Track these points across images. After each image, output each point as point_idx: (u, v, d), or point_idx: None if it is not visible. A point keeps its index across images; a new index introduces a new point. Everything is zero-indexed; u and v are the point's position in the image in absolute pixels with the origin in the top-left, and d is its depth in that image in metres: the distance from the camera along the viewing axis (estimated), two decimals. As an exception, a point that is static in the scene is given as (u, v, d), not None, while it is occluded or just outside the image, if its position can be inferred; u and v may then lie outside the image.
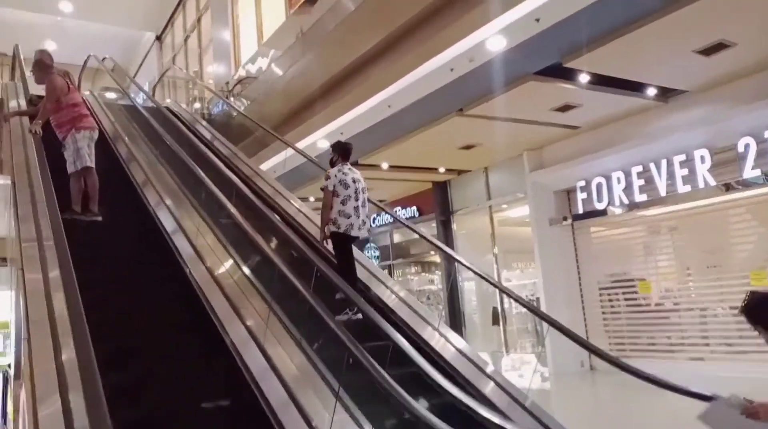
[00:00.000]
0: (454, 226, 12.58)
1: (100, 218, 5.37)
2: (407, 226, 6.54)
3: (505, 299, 11.43)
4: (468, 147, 10.02)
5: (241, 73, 10.30)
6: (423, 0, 5.88)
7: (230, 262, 4.74)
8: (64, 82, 5.42)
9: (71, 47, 13.55)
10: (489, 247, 11.81)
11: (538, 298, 10.29)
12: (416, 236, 14.44)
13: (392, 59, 6.72)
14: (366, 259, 5.94)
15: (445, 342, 4.56)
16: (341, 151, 5.32)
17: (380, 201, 14.75)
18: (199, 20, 13.31)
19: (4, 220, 5.39)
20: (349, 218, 4.87)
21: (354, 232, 4.90)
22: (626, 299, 9.61)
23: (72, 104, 5.41)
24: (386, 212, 6.71)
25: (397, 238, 15.12)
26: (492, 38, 5.98)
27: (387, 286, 5.23)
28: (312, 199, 13.26)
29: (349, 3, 6.72)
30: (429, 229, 13.43)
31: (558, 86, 7.39)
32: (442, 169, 11.79)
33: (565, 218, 9.99)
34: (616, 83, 7.47)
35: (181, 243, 4.96)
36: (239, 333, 3.84)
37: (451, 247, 12.54)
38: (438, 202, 12.74)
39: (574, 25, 5.76)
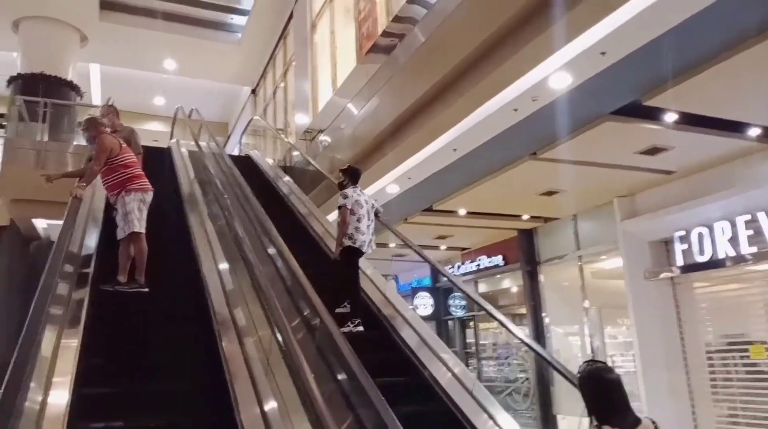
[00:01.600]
0: (542, 278, 11.74)
1: (146, 290, 4.90)
2: (436, 268, 5.89)
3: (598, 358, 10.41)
4: (549, 193, 9.35)
5: (317, 121, 10.43)
6: (475, 37, 5.52)
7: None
8: (115, 141, 5.11)
9: (179, 101, 14.53)
10: (579, 301, 10.85)
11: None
12: (504, 286, 13.86)
13: (450, 101, 6.38)
14: (419, 321, 5.19)
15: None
16: (351, 175, 5.75)
17: (464, 249, 14.26)
18: (285, 73, 13.81)
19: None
20: (363, 235, 5.40)
21: (365, 249, 5.43)
22: (744, 364, 8.35)
23: (123, 165, 5.07)
24: (397, 235, 6.30)
25: (482, 287, 14.43)
26: (555, 75, 5.49)
27: (443, 362, 4.47)
28: (392, 245, 13.00)
29: (408, 47, 6.54)
30: (515, 279, 12.69)
31: (640, 127, 6.67)
32: (525, 216, 11.12)
33: (663, 272, 8.95)
34: (710, 123, 6.61)
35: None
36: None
37: (538, 300, 11.74)
38: (523, 251, 12.00)
39: (649, 57, 5.15)
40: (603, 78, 5.49)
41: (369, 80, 7.75)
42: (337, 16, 10.52)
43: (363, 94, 8.12)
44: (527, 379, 12.01)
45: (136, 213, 4.95)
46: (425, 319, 15.40)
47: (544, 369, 11.36)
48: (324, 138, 9.50)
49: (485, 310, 4.96)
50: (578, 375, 2.52)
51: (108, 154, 4.98)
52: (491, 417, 3.89)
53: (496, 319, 4.73)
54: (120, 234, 4.96)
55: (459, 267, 14.51)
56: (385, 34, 8.43)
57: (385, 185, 8.77)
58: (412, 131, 7.18)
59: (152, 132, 16.30)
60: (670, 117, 6.40)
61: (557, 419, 10.94)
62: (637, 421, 2.37)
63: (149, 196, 5.15)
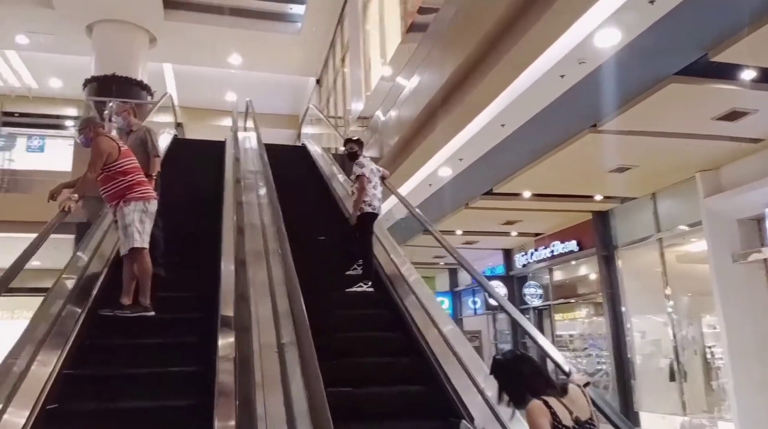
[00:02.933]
0: (619, 263, 10.83)
1: (150, 314, 4.34)
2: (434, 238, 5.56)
3: (685, 350, 9.45)
4: (620, 170, 8.51)
5: (368, 107, 10.12)
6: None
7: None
8: (113, 144, 4.42)
9: (248, 96, 14.73)
10: (661, 288, 9.90)
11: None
12: (581, 273, 12.97)
13: (489, 70, 5.85)
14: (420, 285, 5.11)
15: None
16: (360, 144, 6.29)
17: (537, 235, 13.49)
18: (343, 60, 13.61)
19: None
20: (377, 201, 5.82)
21: (377, 211, 5.82)
22: None
23: (121, 171, 4.38)
24: (402, 201, 6.27)
25: (558, 275, 13.62)
26: (600, 32, 4.83)
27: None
28: (459, 232, 12.51)
29: (442, 20, 6.07)
30: (593, 266, 11.81)
31: (713, 88, 5.83)
32: (598, 197, 10.27)
33: (753, 253, 7.92)
34: (799, 77, 5.67)
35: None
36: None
37: (615, 287, 10.86)
38: (599, 235, 11.13)
39: (710, 3, 4.41)
40: (658, 32, 4.77)
41: (409, 59, 7.35)
42: (387, -3, 10.16)
43: (405, 74, 7.74)
44: (606, 373, 11.17)
45: (136, 225, 4.31)
46: (498, 308, 14.84)
47: (625, 362, 10.52)
48: (377, 118, 9.17)
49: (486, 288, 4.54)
50: (498, 361, 2.56)
51: (104, 160, 4.32)
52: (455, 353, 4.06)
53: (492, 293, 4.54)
54: (122, 250, 4.38)
55: (532, 254, 13.77)
56: (421, 10, 7.99)
57: (436, 168, 8.31)
58: (455, 107, 6.70)
59: (225, 128, 16.66)
60: (747, 74, 5.54)
61: (639, 416, 10.07)
62: (564, 387, 2.41)
63: (152, 206, 4.49)
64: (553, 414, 2.26)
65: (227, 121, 16.47)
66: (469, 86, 6.23)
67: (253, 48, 14.77)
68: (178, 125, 15.09)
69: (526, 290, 14.23)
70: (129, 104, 5.32)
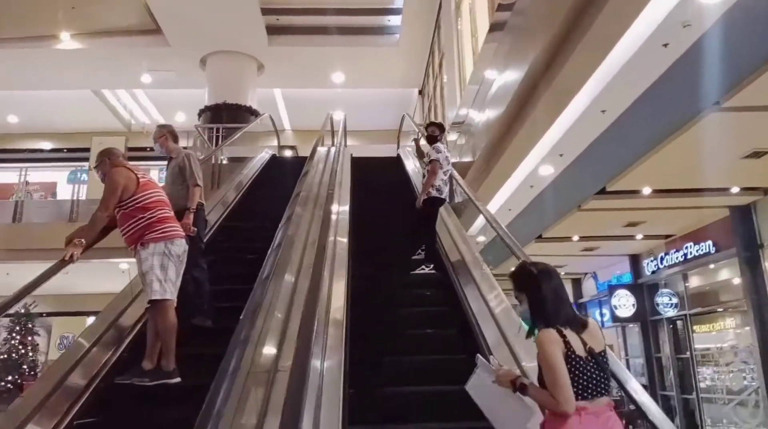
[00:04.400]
0: (766, 265, 9.36)
1: (176, 380, 3.53)
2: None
3: None
4: (757, 154, 7.32)
5: (462, 111, 9.66)
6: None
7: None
8: (131, 176, 3.69)
9: (355, 113, 14.90)
10: (823, 293, 8.38)
11: None
12: (722, 278, 11.41)
13: (577, 48, 5.21)
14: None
15: None
16: (442, 129, 6.40)
17: (667, 237, 12.13)
18: (440, 66, 13.26)
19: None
20: (447, 185, 6.05)
21: (445, 197, 6.00)
22: None
23: (141, 207, 3.66)
24: (459, 183, 6.77)
25: (695, 281, 12.11)
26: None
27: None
28: (575, 238, 11.59)
29: (520, 11, 5.55)
30: (734, 269, 10.34)
31: None
32: (734, 189, 8.96)
33: None
34: None
35: None
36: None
37: (762, 293, 9.38)
38: (739, 233, 9.71)
39: None
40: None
41: (494, 53, 6.85)
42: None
43: (491, 70, 7.25)
44: (756, 390, 9.66)
45: (156, 272, 3.56)
46: (626, 319, 13.49)
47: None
48: (469, 120, 8.71)
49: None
50: (531, 271, 2.37)
51: (119, 195, 3.62)
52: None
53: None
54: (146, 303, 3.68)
55: (662, 258, 12.39)
56: (499, 7, 7.48)
57: (536, 166, 7.67)
58: (545, 95, 6.09)
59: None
60: None
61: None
62: (585, 322, 2.29)
63: (177, 247, 3.71)
64: (566, 342, 2.15)
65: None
66: (556, 69, 5.61)
67: (354, 64, 14.91)
68: (292, 148, 15.57)
69: (658, 299, 12.81)
70: (166, 128, 4.68)
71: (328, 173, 7.08)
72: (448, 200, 6.22)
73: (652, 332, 13.08)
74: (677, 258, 11.77)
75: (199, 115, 13.68)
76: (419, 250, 5.78)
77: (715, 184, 8.75)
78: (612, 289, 13.58)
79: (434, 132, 6.18)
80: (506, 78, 6.63)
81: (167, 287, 3.59)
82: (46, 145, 18.17)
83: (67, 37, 13.37)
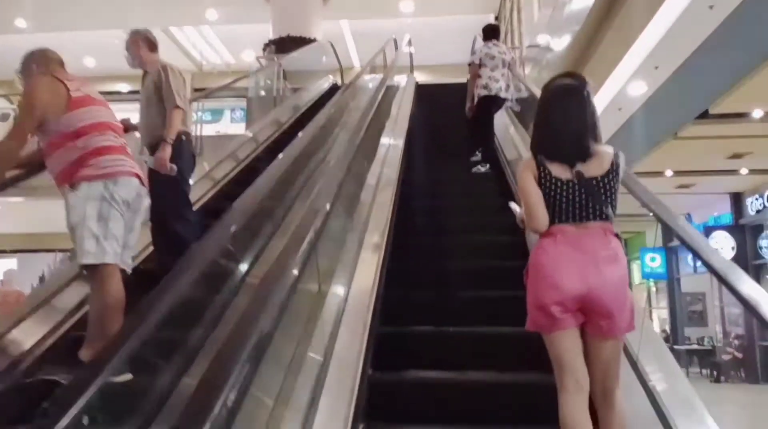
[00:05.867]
0: None
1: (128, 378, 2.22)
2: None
3: None
4: None
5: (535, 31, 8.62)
6: None
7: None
8: (60, 90, 2.60)
9: (425, 47, 13.99)
10: None
11: None
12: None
13: None
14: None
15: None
16: (486, 32, 6.25)
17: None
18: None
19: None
20: (497, 82, 5.79)
21: (503, 94, 5.83)
22: None
23: (73, 132, 2.59)
24: (521, 82, 6.24)
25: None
26: None
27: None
28: (669, 173, 10.45)
29: None
30: None
31: None
32: None
33: None
34: None
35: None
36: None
37: None
38: None
39: None
40: None
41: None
42: None
43: None
44: None
45: (91, 225, 2.51)
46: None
47: None
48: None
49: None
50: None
51: (39, 116, 2.57)
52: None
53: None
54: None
55: (769, 196, 11.02)
56: None
57: (625, 84, 6.66)
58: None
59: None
60: None
61: None
62: (585, 154, 2.11)
63: (126, 190, 2.64)
64: (541, 167, 2.11)
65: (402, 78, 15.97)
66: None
67: (423, -11, 13.89)
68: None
69: (762, 242, 11.49)
70: (140, 34, 3.70)
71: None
72: (510, 98, 5.99)
73: (754, 278, 11.82)
74: (788, 195, 10.40)
75: (264, 50, 13.22)
76: (477, 152, 5.89)
77: None
78: (708, 230, 12.31)
79: (483, 34, 6.22)
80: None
81: (107, 247, 2.51)
82: (123, 86, 18.42)
83: (131, -29, 13.17)
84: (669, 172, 10.68)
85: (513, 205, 2.58)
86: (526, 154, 2.22)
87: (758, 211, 11.41)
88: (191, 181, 3.79)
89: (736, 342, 12.17)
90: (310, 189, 3.17)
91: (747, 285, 1.92)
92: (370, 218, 3.88)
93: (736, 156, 9.75)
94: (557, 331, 2.00)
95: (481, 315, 3.22)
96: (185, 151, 3.52)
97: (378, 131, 6.02)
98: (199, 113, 14.13)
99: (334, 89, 9.23)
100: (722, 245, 11.91)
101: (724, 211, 12.81)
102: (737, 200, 12.29)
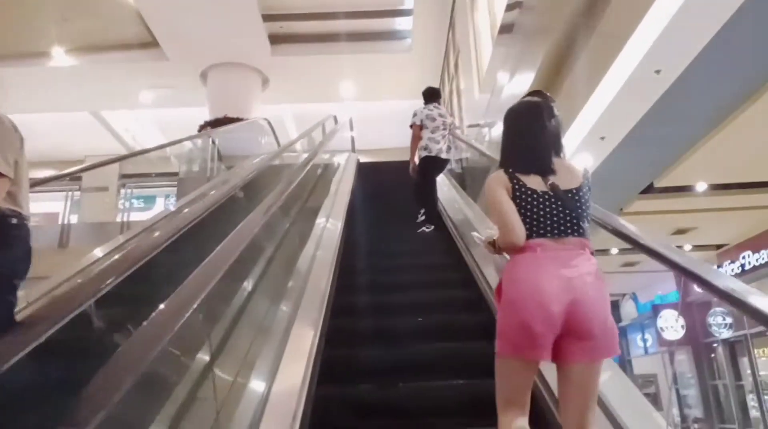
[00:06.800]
0: None
1: None
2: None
3: None
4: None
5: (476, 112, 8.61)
6: None
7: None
8: None
9: (366, 130, 13.87)
10: None
11: None
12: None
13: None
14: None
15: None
16: (426, 96, 6.59)
17: (719, 246, 10.75)
18: (455, 66, 12.16)
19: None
20: (438, 144, 6.05)
21: (443, 155, 6.13)
22: None
23: None
24: (475, 148, 6.60)
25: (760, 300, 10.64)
26: None
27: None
28: (614, 251, 10.29)
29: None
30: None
31: None
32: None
33: None
34: None
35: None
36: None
37: None
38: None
39: None
40: None
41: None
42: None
43: (507, 65, 6.20)
44: None
45: None
46: (675, 342, 11.99)
47: None
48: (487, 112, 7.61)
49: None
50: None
51: None
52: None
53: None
54: None
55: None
56: (507, 8, 6.57)
57: (571, 157, 6.45)
58: (585, 53, 4.94)
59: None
60: None
61: None
62: (552, 169, 2.08)
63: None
64: (514, 179, 2.04)
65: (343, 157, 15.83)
66: (594, 21, 4.47)
67: (364, 74, 13.95)
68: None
69: (711, 319, 11.35)
70: None
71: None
72: (451, 159, 6.39)
73: (706, 357, 11.56)
74: (733, 270, 10.37)
75: (199, 130, 12.75)
76: (421, 212, 6.05)
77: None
78: (656, 309, 12.14)
79: (425, 98, 6.53)
80: (524, 53, 5.49)
81: None
82: (46, 173, 17.45)
83: (60, 53, 12.62)
84: (614, 250, 10.52)
85: (475, 235, 2.59)
86: (470, 213, 2.21)
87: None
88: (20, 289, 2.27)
89: (696, 426, 11.72)
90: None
91: (723, 278, 1.92)
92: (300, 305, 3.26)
93: (681, 232, 9.72)
94: (530, 360, 1.84)
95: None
96: (14, 240, 2.23)
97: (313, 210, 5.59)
98: (127, 199, 13.43)
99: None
100: (671, 324, 11.71)
101: (669, 289, 12.73)
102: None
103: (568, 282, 1.85)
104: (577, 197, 2.02)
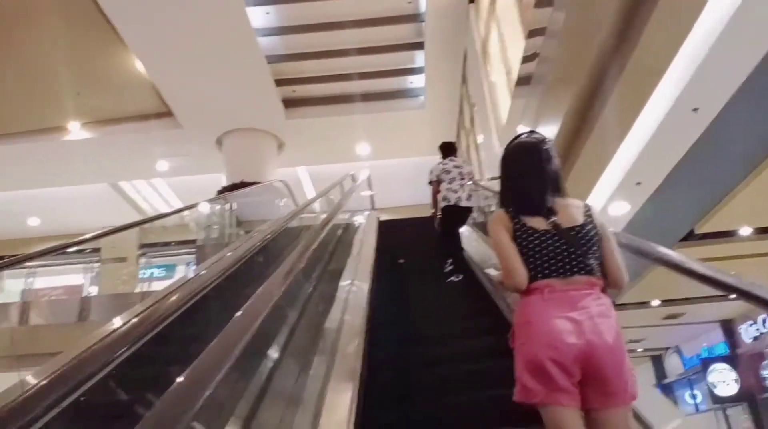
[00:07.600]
0: None
1: None
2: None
3: None
4: None
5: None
6: None
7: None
8: None
9: (384, 186, 13.66)
10: None
11: None
12: None
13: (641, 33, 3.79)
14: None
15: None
16: (442, 150, 6.71)
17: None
18: (471, 121, 11.96)
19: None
20: (456, 193, 6.15)
21: (463, 203, 6.17)
22: None
23: None
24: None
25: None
26: None
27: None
28: (655, 303, 9.68)
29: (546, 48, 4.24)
30: None
31: None
32: None
33: None
34: None
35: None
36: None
37: None
38: None
39: None
40: None
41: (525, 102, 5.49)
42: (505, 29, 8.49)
43: (528, 116, 5.92)
44: None
45: None
46: (729, 399, 11.10)
47: None
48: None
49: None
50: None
51: None
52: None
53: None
54: None
55: (765, 321, 10.24)
56: (524, 60, 6.36)
57: (605, 204, 6.03)
58: (606, 108, 4.61)
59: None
60: None
61: None
62: (552, 208, 2.06)
63: None
64: (515, 219, 2.03)
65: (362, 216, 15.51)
66: (624, 60, 4.15)
67: (379, 133, 13.83)
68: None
69: (765, 372, 10.51)
70: None
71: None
72: (473, 206, 6.35)
73: (765, 414, 10.64)
74: (783, 318, 9.65)
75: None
76: (448, 263, 6.06)
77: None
78: (706, 363, 11.31)
79: (442, 153, 6.66)
80: (553, 92, 5.18)
81: None
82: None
83: (76, 127, 12.74)
84: (655, 302, 9.90)
85: (489, 271, 2.60)
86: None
87: (755, 338, 10.56)
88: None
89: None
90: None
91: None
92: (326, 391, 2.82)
93: (724, 280, 9.08)
94: (557, 406, 1.73)
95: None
96: None
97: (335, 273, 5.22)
98: (147, 268, 13.18)
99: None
100: (723, 378, 10.88)
101: (715, 340, 11.93)
102: (728, 329, 11.48)
103: (578, 326, 1.81)
104: (581, 234, 1.98)
